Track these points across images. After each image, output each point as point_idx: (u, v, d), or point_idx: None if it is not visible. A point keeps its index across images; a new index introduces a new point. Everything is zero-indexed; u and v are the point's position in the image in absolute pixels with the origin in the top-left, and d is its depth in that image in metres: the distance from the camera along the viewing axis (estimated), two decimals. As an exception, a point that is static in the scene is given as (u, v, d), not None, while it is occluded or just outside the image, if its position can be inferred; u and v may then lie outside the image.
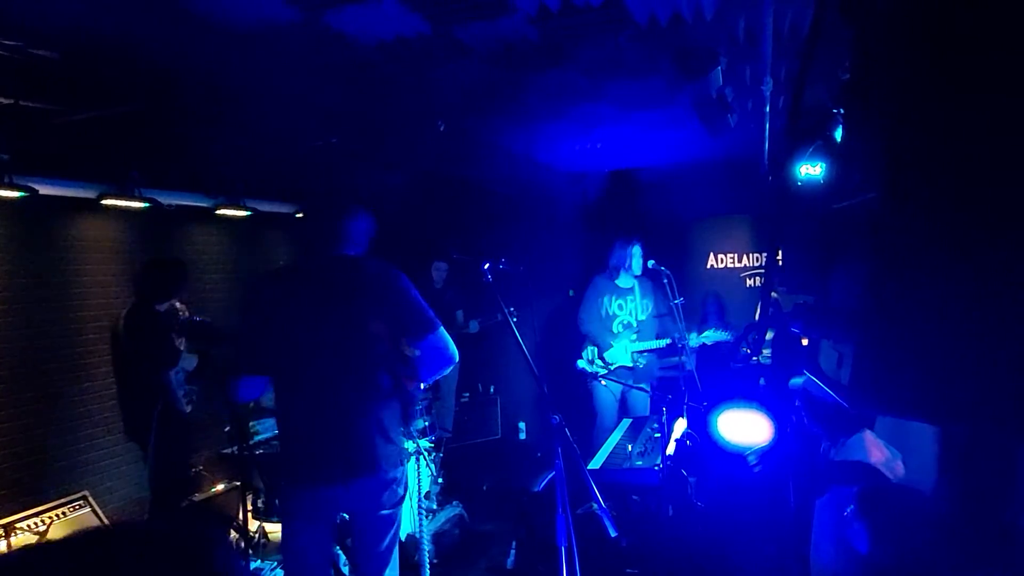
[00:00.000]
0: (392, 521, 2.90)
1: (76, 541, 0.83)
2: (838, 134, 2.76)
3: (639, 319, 5.79)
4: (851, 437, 2.84)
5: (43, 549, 0.86)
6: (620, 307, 5.82)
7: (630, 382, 5.55)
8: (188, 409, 4.75)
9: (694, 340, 5.52)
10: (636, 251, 5.71)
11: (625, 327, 5.78)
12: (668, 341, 5.52)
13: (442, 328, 2.87)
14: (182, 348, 4.79)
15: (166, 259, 5.03)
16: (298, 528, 2.82)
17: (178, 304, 4.86)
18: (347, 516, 2.99)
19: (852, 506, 2.29)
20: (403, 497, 2.93)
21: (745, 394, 4.36)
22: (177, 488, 4.69)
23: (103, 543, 0.86)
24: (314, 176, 5.99)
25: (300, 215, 6.12)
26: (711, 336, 5.55)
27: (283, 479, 2.85)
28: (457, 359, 2.91)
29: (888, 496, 2.28)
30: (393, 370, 2.85)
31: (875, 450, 2.76)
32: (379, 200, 6.60)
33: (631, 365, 5.74)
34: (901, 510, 2.17)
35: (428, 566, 4.27)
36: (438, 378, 3.05)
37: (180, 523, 4.55)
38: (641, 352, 5.73)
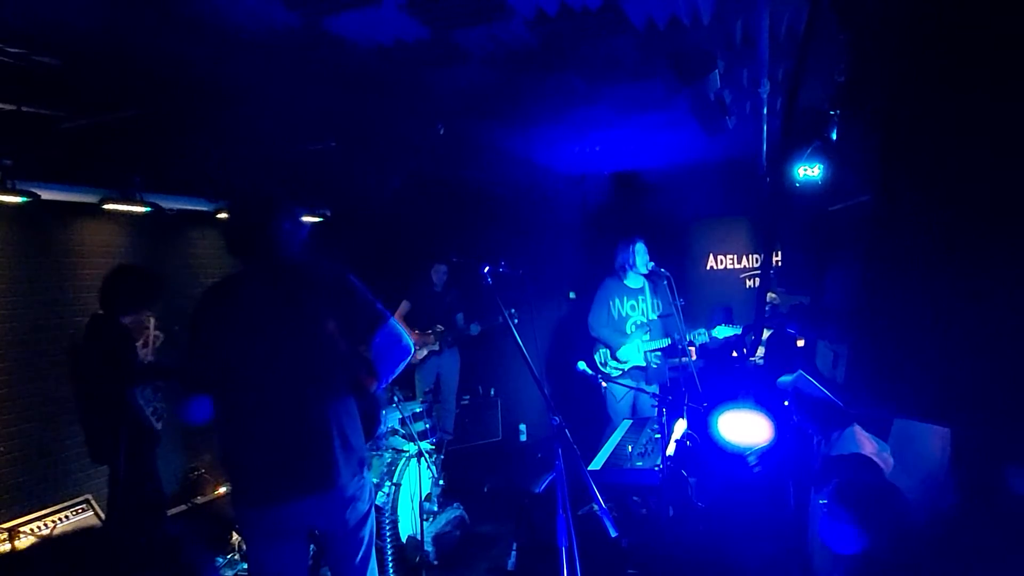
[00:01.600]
0: (360, 538, 2.78)
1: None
2: (834, 135, 2.78)
3: (651, 318, 5.82)
4: (843, 431, 2.86)
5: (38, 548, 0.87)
6: (633, 307, 5.83)
7: (642, 383, 5.56)
8: (159, 426, 4.34)
9: (703, 337, 5.53)
10: (640, 248, 5.71)
11: (638, 327, 5.80)
12: (670, 340, 5.55)
13: (393, 320, 2.75)
14: (150, 359, 4.40)
15: (136, 267, 4.57)
16: (263, 550, 2.68)
17: (151, 318, 4.47)
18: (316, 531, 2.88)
19: (825, 500, 2.31)
20: (367, 512, 2.80)
21: (745, 394, 4.37)
22: (146, 512, 4.24)
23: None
24: (317, 180, 6.01)
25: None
26: (721, 331, 5.56)
27: (239, 502, 2.70)
28: (413, 349, 2.80)
29: (866, 491, 2.30)
30: (352, 372, 2.76)
31: (866, 443, 2.78)
32: (379, 203, 6.64)
33: (644, 365, 5.75)
34: (879, 505, 2.19)
35: (430, 568, 4.28)
36: (398, 374, 2.89)
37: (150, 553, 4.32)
38: (654, 351, 5.75)
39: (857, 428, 2.82)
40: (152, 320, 4.47)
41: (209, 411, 2.68)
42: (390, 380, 2.89)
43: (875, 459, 2.67)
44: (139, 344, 4.33)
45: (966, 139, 1.28)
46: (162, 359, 4.48)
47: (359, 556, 2.79)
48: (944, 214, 1.28)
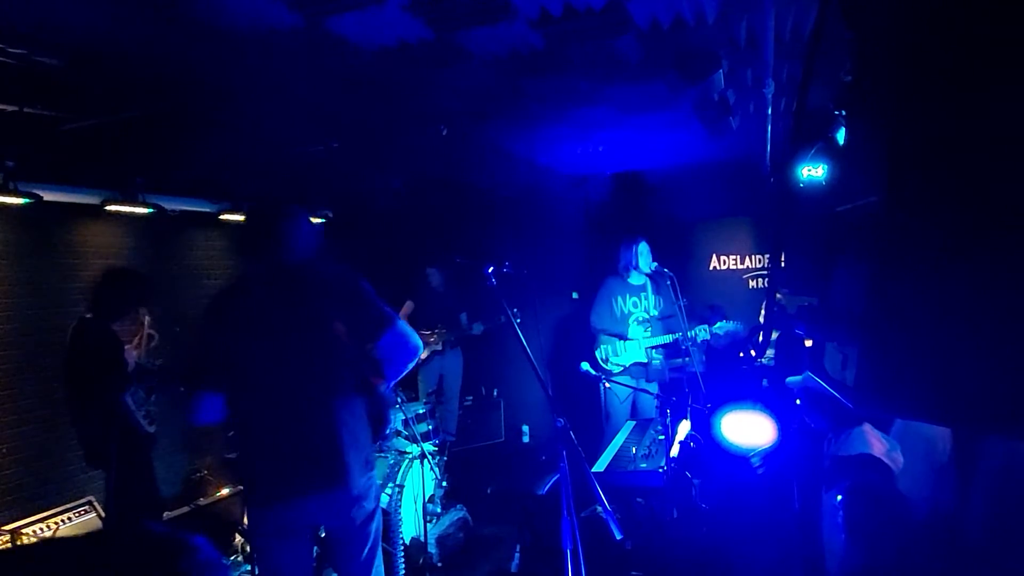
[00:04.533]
0: (366, 535, 2.82)
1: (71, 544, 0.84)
2: (840, 135, 2.77)
3: (652, 315, 5.83)
4: (853, 430, 2.85)
5: (40, 548, 0.87)
6: (635, 304, 5.86)
7: (642, 383, 5.56)
8: (152, 429, 4.33)
9: (705, 334, 5.53)
10: (643, 248, 5.73)
11: (640, 323, 5.81)
12: (675, 336, 5.55)
13: (401, 321, 2.82)
14: (142, 359, 4.40)
15: (126, 270, 4.56)
16: (271, 547, 2.73)
17: (146, 316, 4.45)
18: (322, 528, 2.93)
19: (841, 496, 2.30)
20: (373, 511, 2.85)
21: (748, 396, 4.36)
22: (142, 515, 4.22)
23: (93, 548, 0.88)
24: (319, 182, 6.00)
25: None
26: (723, 327, 5.55)
27: (249, 499, 2.78)
28: (421, 350, 2.86)
29: (874, 496, 2.29)
30: (360, 372, 2.80)
31: (876, 442, 2.77)
32: (381, 204, 6.62)
33: (646, 361, 5.76)
34: (885, 510, 2.18)
35: (433, 569, 4.27)
36: (405, 374, 2.95)
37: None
38: (655, 348, 5.75)
39: (867, 427, 2.81)
40: (147, 319, 4.44)
41: (217, 412, 2.73)
42: (397, 380, 2.95)
43: (884, 459, 2.66)
44: (131, 345, 4.31)
45: (978, 139, 1.27)
46: (154, 360, 4.46)
47: (364, 553, 2.83)
48: (954, 216, 1.27)
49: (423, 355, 6.77)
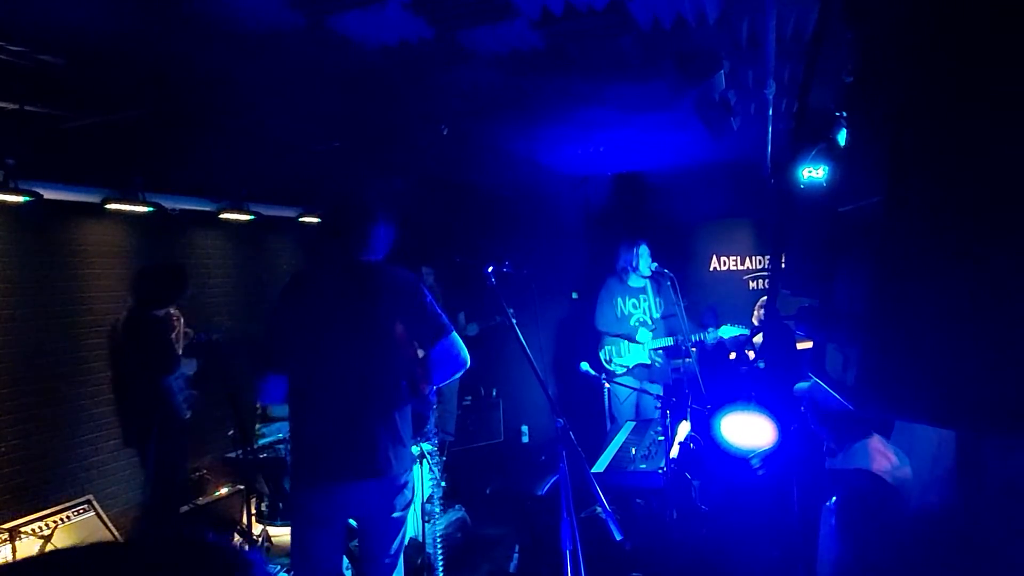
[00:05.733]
0: (401, 525, 2.94)
1: (84, 553, 0.81)
2: (841, 137, 2.76)
3: (654, 316, 5.83)
4: (855, 443, 2.83)
5: (52, 559, 0.84)
6: (635, 306, 5.86)
7: (645, 383, 5.55)
8: (188, 415, 4.68)
9: (712, 336, 5.54)
10: (643, 251, 5.73)
11: (641, 324, 5.81)
12: (675, 338, 5.55)
13: (455, 333, 2.94)
14: (180, 353, 4.75)
15: (165, 264, 4.99)
16: (309, 532, 2.86)
17: (173, 311, 4.80)
18: (355, 523, 3.02)
19: (835, 497, 2.30)
20: (411, 501, 2.97)
21: (748, 397, 4.35)
22: (177, 494, 4.65)
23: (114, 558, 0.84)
24: (320, 181, 6.00)
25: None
26: (728, 330, 5.56)
27: (296, 482, 2.90)
28: (468, 363, 2.98)
29: (864, 505, 2.28)
30: (411, 374, 2.93)
31: (880, 457, 2.75)
32: (382, 204, 6.61)
33: (649, 363, 5.76)
34: (878, 515, 2.17)
35: (432, 570, 4.26)
36: (449, 382, 3.14)
37: (185, 530, 4.51)
38: (657, 349, 5.76)
39: (872, 442, 2.77)
40: (180, 317, 4.82)
41: (282, 392, 2.89)
42: (440, 385, 3.11)
43: (884, 476, 2.64)
44: (172, 336, 4.69)
45: (981, 141, 1.27)
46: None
47: (393, 547, 2.94)
48: (957, 217, 1.26)
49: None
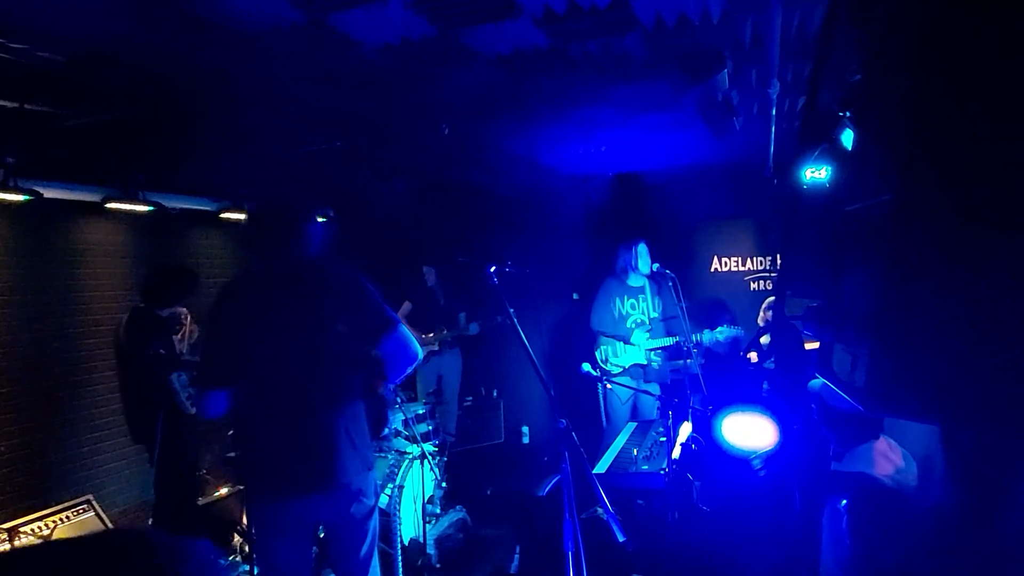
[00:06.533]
0: (365, 531, 2.84)
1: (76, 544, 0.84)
2: (844, 137, 2.75)
3: (651, 317, 5.82)
4: (860, 447, 2.82)
5: (44, 548, 0.86)
6: (633, 306, 5.85)
7: (642, 384, 5.54)
8: (193, 411, 4.66)
9: (707, 337, 5.52)
10: (642, 250, 5.72)
11: (639, 325, 5.79)
12: (676, 339, 5.54)
13: (402, 326, 2.83)
14: (185, 352, 4.76)
15: (173, 265, 5.01)
16: (271, 543, 2.77)
17: (182, 310, 4.82)
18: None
19: (845, 500, 2.28)
20: (373, 507, 2.87)
21: (750, 398, 4.34)
22: (184, 490, 4.67)
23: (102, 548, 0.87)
24: (321, 180, 5.98)
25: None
26: (724, 332, 5.54)
27: (250, 494, 2.82)
28: (421, 356, 2.88)
29: (877, 501, 2.27)
30: (361, 373, 2.83)
31: (883, 461, 2.73)
32: (383, 203, 6.60)
33: (646, 363, 5.75)
34: (887, 515, 2.16)
35: (432, 570, 4.25)
36: (406, 376, 2.99)
37: (186, 527, 4.54)
38: (654, 350, 5.74)
39: (877, 445, 2.76)
40: (188, 316, 4.86)
41: (223, 406, 2.75)
42: (397, 382, 2.99)
43: (885, 480, 2.63)
44: (177, 337, 4.75)
45: (989, 142, 1.26)
46: (194, 355, 4.86)
47: (363, 550, 2.84)
48: (966, 218, 1.25)
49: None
